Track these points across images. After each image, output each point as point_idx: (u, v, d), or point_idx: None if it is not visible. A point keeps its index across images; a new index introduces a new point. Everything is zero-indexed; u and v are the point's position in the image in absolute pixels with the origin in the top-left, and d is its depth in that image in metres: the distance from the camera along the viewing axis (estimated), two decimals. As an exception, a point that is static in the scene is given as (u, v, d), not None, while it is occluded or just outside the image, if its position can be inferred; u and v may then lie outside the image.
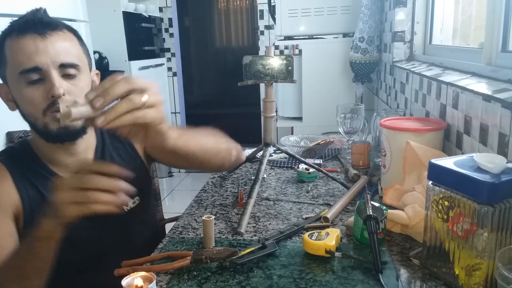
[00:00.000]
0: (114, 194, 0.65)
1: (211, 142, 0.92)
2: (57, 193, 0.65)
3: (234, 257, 0.78)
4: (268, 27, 3.75)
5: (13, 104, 0.87)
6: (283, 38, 2.68)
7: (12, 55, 0.81)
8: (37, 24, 0.82)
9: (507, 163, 0.65)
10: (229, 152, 0.98)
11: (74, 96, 0.82)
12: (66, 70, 0.83)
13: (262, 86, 2.75)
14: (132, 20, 3.25)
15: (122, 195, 0.65)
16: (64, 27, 0.86)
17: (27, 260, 0.73)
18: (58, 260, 0.76)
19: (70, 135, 0.87)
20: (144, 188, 1.05)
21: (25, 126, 1.75)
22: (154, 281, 0.65)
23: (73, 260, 0.89)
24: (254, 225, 0.98)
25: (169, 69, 3.91)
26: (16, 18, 0.86)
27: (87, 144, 0.95)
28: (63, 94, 0.80)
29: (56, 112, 0.80)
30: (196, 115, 4.76)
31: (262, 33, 3.79)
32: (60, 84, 0.81)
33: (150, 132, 0.67)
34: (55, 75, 0.81)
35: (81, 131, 0.88)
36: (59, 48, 0.82)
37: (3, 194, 0.84)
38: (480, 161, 0.66)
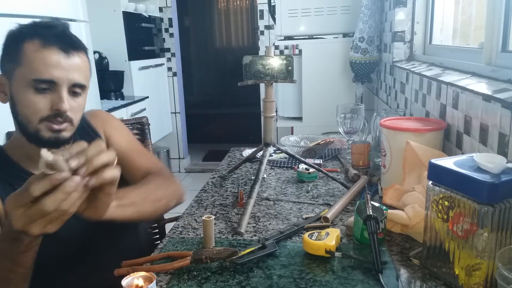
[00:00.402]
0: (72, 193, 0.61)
1: (148, 206, 0.91)
2: (29, 228, 0.61)
3: (234, 257, 0.78)
4: (268, 27, 3.75)
5: (5, 97, 0.88)
6: (283, 38, 2.68)
7: (31, 61, 0.83)
8: (66, 41, 0.86)
9: (507, 163, 0.65)
10: (167, 205, 0.97)
11: (74, 112, 0.88)
12: (75, 88, 0.87)
13: (262, 86, 2.75)
14: (132, 20, 3.25)
15: (79, 190, 0.61)
16: (83, 49, 0.90)
17: (13, 271, 0.72)
18: (46, 258, 0.75)
19: (59, 143, 0.88)
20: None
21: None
22: (154, 281, 0.65)
23: (61, 256, 0.90)
24: (254, 225, 0.98)
25: (169, 69, 3.91)
26: (30, 20, 0.88)
27: None
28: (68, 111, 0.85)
29: (54, 124, 0.85)
30: (196, 115, 4.76)
31: (262, 33, 3.79)
32: (67, 101, 0.85)
33: (95, 203, 0.67)
34: (65, 91, 0.85)
35: (69, 141, 0.90)
36: (77, 68, 0.87)
37: None
38: (480, 161, 0.66)
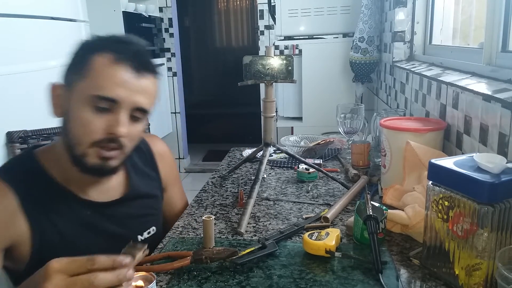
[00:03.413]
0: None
1: None
2: None
3: (234, 257, 0.78)
4: (268, 27, 3.75)
5: (61, 111, 0.81)
6: (283, 38, 2.68)
7: (97, 75, 0.76)
8: (140, 60, 0.79)
9: (507, 163, 0.65)
10: None
11: (130, 139, 0.81)
12: (136, 113, 0.80)
13: (262, 86, 2.75)
14: (132, 20, 3.25)
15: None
16: (155, 72, 0.83)
17: None
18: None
19: (103, 173, 0.83)
20: (160, 217, 1.05)
21: (25, 126, 1.74)
22: (154, 281, 0.65)
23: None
24: (254, 225, 0.98)
25: (169, 69, 3.91)
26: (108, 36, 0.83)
27: (116, 178, 0.93)
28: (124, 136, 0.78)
29: (104, 150, 0.78)
30: (196, 115, 4.76)
31: (262, 33, 3.79)
32: (126, 125, 0.78)
33: None
34: (125, 114, 0.78)
35: (115, 170, 0.85)
36: (144, 91, 0.79)
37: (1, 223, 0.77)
38: (480, 161, 0.66)
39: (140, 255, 0.62)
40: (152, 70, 0.82)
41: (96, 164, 0.79)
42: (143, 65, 0.80)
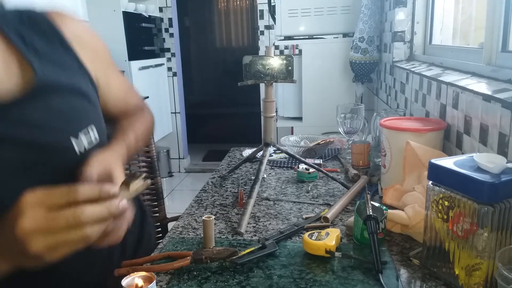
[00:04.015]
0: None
1: (140, 147, 0.93)
2: (50, 253, 0.48)
3: (234, 257, 0.78)
4: (268, 27, 3.75)
5: None
6: (283, 38, 2.69)
7: None
8: None
9: (507, 163, 0.65)
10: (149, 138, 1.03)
11: None
12: None
13: (262, 86, 2.75)
14: (132, 20, 3.25)
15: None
16: None
17: None
18: None
19: None
20: (98, 116, 0.79)
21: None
22: (154, 281, 0.65)
23: None
24: (254, 225, 0.98)
25: (169, 69, 3.91)
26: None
27: (4, 67, 0.64)
28: None
29: None
30: (196, 115, 4.77)
31: (262, 33, 3.79)
32: None
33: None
34: None
35: None
36: None
37: None
38: (480, 161, 0.66)
39: (136, 184, 0.53)
40: None
41: None
42: None
